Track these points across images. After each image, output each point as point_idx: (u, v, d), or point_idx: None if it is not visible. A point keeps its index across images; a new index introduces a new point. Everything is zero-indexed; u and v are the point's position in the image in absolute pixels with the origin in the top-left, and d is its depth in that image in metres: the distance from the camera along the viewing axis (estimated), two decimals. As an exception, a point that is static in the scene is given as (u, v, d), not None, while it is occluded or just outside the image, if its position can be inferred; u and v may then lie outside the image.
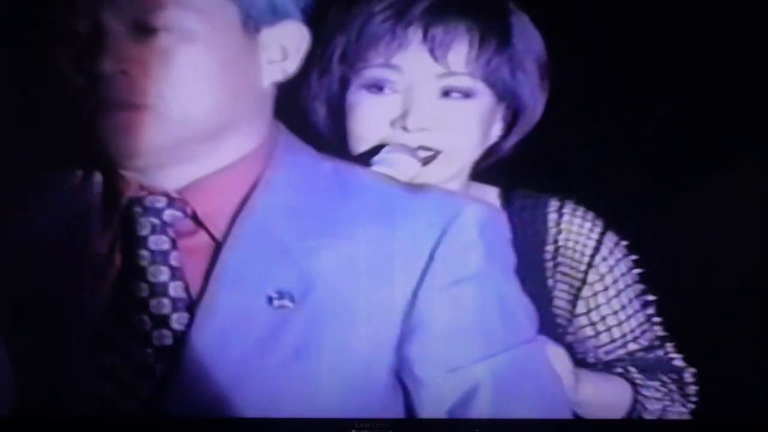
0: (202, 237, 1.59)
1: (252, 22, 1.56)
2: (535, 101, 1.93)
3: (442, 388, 1.58)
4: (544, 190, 1.95)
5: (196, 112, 1.52)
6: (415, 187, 1.63)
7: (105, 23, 1.49)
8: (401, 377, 1.58)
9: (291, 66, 1.61)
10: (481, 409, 1.56)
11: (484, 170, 1.96)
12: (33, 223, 1.61)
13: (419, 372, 1.57)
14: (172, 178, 1.59)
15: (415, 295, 1.55)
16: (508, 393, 1.57)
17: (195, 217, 1.59)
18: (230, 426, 1.62)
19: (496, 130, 1.95)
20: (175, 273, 1.57)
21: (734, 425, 1.64)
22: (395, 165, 1.84)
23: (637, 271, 1.96)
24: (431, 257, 1.55)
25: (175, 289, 1.56)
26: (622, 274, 1.94)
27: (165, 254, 1.58)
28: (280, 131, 1.65)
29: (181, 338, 1.54)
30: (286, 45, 1.60)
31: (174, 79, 1.50)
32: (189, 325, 1.55)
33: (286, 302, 1.53)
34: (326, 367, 1.54)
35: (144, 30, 1.51)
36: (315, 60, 1.88)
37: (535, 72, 1.92)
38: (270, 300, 1.54)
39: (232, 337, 1.53)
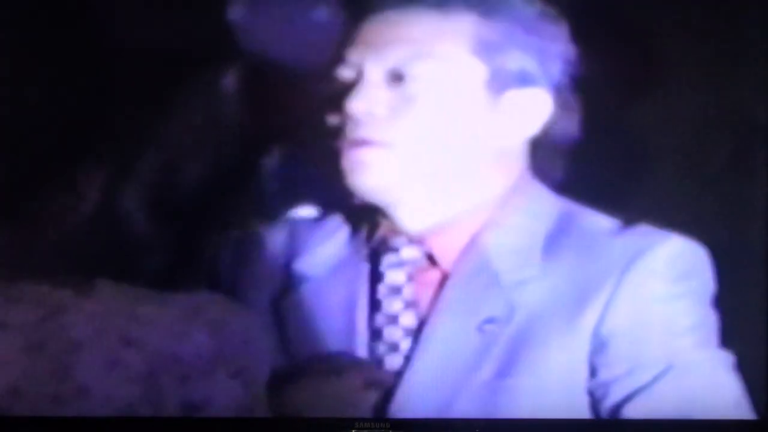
0: (436, 272, 1.73)
1: (498, 84, 1.68)
2: None
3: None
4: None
5: (431, 155, 1.68)
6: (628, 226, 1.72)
7: (366, 71, 1.64)
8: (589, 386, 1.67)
9: (531, 129, 1.72)
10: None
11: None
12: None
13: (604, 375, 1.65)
14: (415, 220, 1.72)
15: (604, 314, 1.66)
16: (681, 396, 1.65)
17: (431, 257, 1.73)
18: (232, 426, 1.61)
19: None
20: (408, 304, 1.71)
21: (734, 425, 1.65)
22: None
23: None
24: (619, 282, 1.66)
25: (408, 318, 1.71)
26: None
27: (400, 288, 1.72)
28: (526, 182, 1.75)
29: (409, 359, 1.70)
30: (529, 109, 1.72)
31: (414, 123, 1.66)
32: (414, 348, 1.70)
33: (493, 327, 1.68)
34: (526, 382, 1.66)
35: (398, 77, 1.68)
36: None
37: None
38: (480, 326, 1.68)
39: (447, 359, 1.67)
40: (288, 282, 1.79)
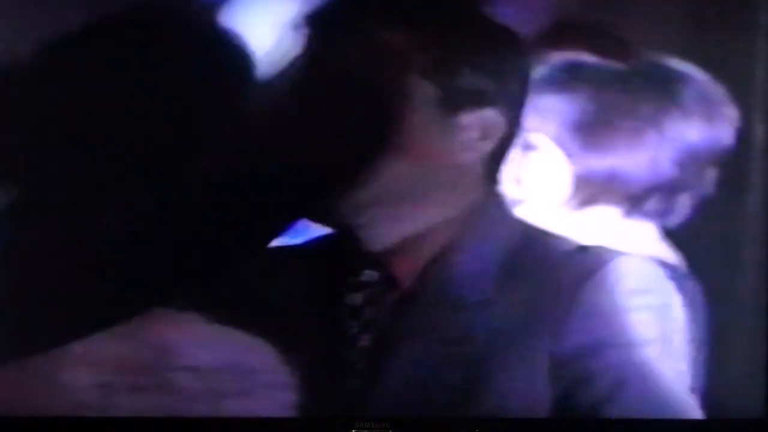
0: (395, 293, 1.73)
1: (452, 104, 1.68)
2: None
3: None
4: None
5: (389, 177, 1.68)
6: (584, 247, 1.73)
7: None
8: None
9: (488, 146, 1.71)
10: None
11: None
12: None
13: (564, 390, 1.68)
14: (377, 240, 1.72)
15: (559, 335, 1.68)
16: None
17: (391, 278, 1.73)
18: (232, 426, 1.61)
19: None
20: (366, 326, 1.72)
21: (734, 425, 1.67)
22: None
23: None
24: (572, 301, 1.68)
25: (364, 340, 1.73)
26: None
27: (358, 309, 1.73)
28: (487, 201, 1.74)
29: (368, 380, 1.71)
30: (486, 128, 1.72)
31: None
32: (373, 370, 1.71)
33: (454, 349, 1.69)
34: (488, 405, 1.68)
35: None
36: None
37: None
38: (440, 348, 1.69)
39: (410, 380, 1.68)
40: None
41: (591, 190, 1.83)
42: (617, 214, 1.84)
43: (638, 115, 1.83)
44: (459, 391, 1.69)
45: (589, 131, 1.83)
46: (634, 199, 1.83)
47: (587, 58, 1.84)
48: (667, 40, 1.82)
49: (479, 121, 1.72)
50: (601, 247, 1.72)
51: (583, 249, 1.72)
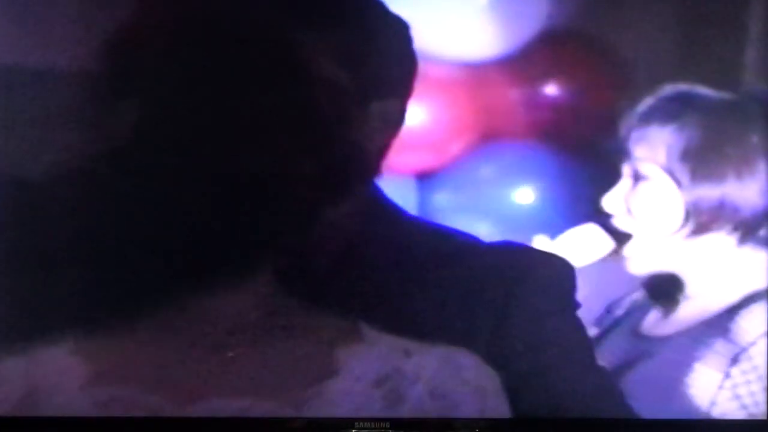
0: None
1: (361, 95, 1.73)
2: None
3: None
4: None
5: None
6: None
7: None
8: None
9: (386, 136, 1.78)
10: None
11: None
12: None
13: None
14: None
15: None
16: None
17: None
18: (232, 425, 1.59)
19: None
20: None
21: (734, 425, 1.64)
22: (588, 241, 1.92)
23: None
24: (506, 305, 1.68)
25: None
26: None
27: None
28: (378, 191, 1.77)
29: None
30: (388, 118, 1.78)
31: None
32: None
33: None
34: None
35: None
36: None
37: None
38: None
39: None
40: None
41: (702, 218, 1.81)
42: (730, 242, 1.82)
43: (747, 143, 1.83)
44: None
45: (699, 160, 1.82)
46: (747, 227, 1.81)
47: (696, 88, 1.84)
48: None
49: (382, 112, 1.73)
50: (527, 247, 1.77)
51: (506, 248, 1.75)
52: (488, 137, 2.06)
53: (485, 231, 2.03)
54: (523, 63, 2.01)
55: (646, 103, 1.84)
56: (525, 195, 2.01)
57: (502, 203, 2.02)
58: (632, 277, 1.83)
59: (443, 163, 2.04)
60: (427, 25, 2.03)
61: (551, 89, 2.01)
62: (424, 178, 2.04)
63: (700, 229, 1.81)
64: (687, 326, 1.79)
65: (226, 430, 1.60)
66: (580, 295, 1.75)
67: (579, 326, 1.71)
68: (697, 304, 1.80)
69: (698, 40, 1.85)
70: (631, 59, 1.89)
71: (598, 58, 2.01)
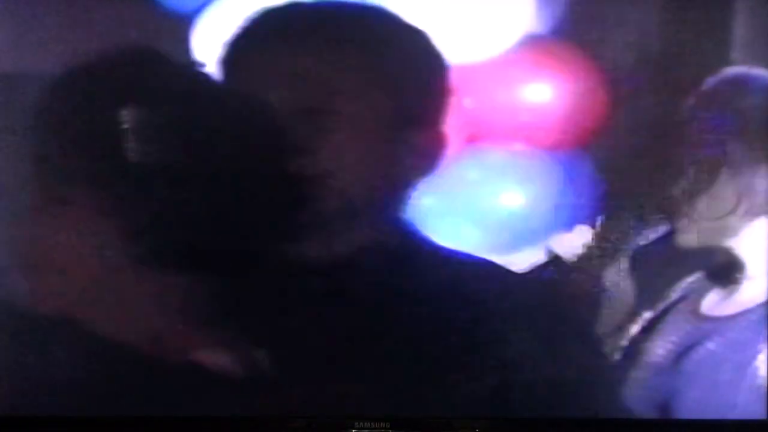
0: None
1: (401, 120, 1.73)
2: None
3: None
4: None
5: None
6: None
7: None
8: None
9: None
10: None
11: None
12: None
13: None
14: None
15: None
16: None
17: None
18: (232, 425, 1.61)
19: None
20: None
21: (734, 425, 1.64)
22: None
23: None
24: None
25: None
26: None
27: None
28: None
29: None
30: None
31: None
32: None
33: None
34: None
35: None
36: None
37: None
38: None
39: None
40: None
41: (757, 199, 1.83)
42: None
43: None
44: None
45: (753, 142, 1.84)
46: None
47: (753, 70, 1.86)
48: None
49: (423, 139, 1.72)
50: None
51: None
52: (474, 140, 2.12)
53: (471, 234, 2.06)
54: (509, 66, 2.06)
55: (706, 85, 1.85)
56: (511, 198, 2.04)
57: (489, 206, 2.05)
58: (688, 259, 1.84)
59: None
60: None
61: (537, 92, 2.07)
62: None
63: (755, 210, 1.83)
64: (750, 306, 1.79)
65: (225, 430, 1.62)
66: (638, 276, 1.78)
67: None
68: (759, 284, 1.80)
69: (682, 42, 1.87)
70: (616, 61, 1.91)
71: (583, 60, 2.07)
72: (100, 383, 1.63)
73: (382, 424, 1.59)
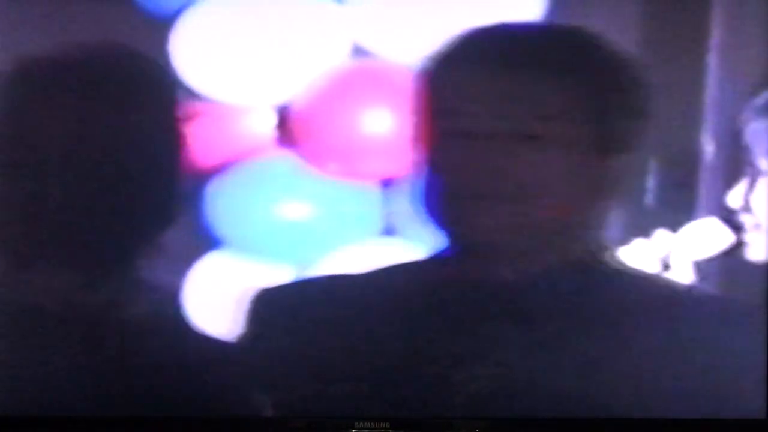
0: None
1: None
2: None
3: None
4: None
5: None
6: None
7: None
8: None
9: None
10: None
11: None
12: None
13: None
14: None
15: None
16: None
17: None
18: (232, 425, 1.62)
19: None
20: None
21: (734, 425, 1.61)
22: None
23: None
24: None
25: None
26: None
27: None
28: None
29: None
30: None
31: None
32: None
33: None
34: None
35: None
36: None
37: None
38: None
39: None
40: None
41: None
42: None
43: None
44: None
45: None
46: None
47: None
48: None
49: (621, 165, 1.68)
50: None
51: None
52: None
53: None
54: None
55: (763, 96, 1.82)
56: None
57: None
58: (754, 270, 1.82)
59: (408, 169, 2.11)
60: (389, 30, 2.08)
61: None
62: (389, 185, 2.10)
63: None
64: None
65: (225, 430, 1.63)
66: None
67: None
68: None
69: (664, 42, 1.89)
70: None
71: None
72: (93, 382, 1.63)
73: (383, 424, 1.60)
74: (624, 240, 1.85)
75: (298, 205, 2.05)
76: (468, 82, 1.64)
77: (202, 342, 1.66)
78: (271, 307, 1.68)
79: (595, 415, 1.56)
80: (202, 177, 2.08)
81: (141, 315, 1.64)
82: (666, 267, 1.90)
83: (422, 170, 1.68)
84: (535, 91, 1.61)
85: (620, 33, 1.74)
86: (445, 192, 1.64)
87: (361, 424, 1.60)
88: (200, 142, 2.12)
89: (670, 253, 1.89)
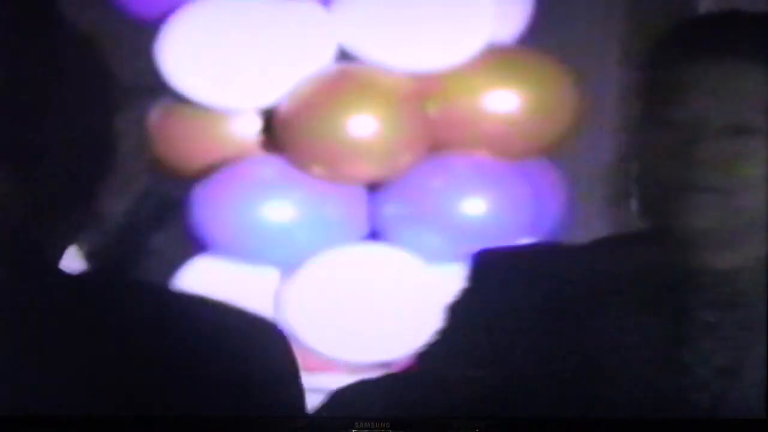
0: None
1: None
2: None
3: None
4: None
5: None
6: None
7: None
8: None
9: None
10: None
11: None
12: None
13: None
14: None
15: None
16: None
17: None
18: (232, 425, 1.61)
19: None
20: None
21: (734, 425, 1.55)
22: None
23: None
24: None
25: None
26: None
27: None
28: None
29: None
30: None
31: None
32: None
33: None
34: None
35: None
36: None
37: None
38: None
39: None
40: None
41: None
42: None
43: None
44: None
45: None
46: None
47: None
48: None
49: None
50: None
51: None
52: (438, 148, 2.15)
53: (434, 241, 2.12)
54: (472, 74, 2.11)
55: None
56: (474, 206, 2.10)
57: (451, 214, 2.10)
58: None
59: (393, 173, 2.12)
60: (377, 36, 2.10)
61: (500, 100, 2.12)
62: (375, 189, 2.13)
63: None
64: None
65: (225, 430, 1.63)
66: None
67: None
68: None
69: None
70: (578, 70, 1.97)
71: (546, 69, 2.13)
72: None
73: (383, 424, 1.60)
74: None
75: (283, 208, 2.06)
76: (684, 73, 1.67)
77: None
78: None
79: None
80: (188, 181, 2.09)
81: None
82: None
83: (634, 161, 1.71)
84: (747, 82, 1.61)
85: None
86: (657, 183, 1.67)
87: (361, 424, 1.59)
88: (185, 146, 2.14)
89: None
